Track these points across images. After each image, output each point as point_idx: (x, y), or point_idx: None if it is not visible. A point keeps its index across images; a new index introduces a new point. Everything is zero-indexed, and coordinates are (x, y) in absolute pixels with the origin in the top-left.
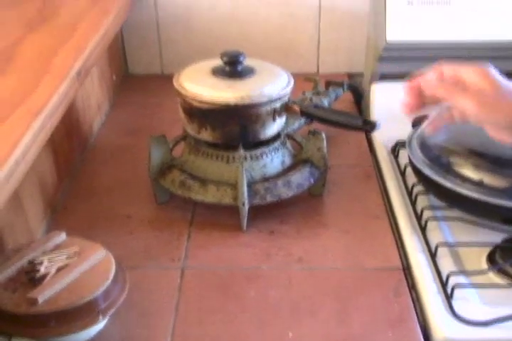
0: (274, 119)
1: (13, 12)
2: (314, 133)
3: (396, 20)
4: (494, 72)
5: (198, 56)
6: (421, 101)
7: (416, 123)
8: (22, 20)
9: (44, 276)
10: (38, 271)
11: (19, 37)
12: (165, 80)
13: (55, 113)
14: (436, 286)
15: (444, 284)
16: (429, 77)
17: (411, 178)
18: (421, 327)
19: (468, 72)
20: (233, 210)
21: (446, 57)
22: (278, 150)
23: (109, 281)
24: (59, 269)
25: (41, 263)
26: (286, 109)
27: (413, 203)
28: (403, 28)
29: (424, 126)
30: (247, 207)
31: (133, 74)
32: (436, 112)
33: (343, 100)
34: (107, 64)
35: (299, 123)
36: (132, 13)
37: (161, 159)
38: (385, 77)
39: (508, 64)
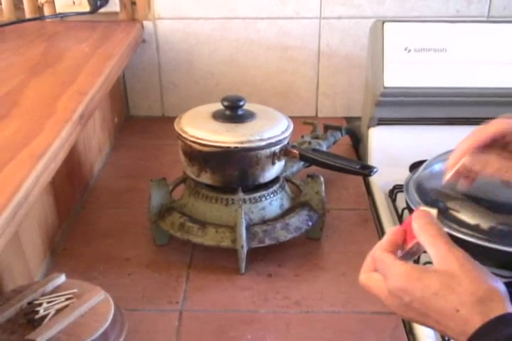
0: (273, 163)
1: (18, 57)
2: (313, 177)
3: (393, 67)
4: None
5: (199, 99)
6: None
7: (413, 167)
8: (26, 64)
9: (43, 318)
10: (37, 312)
11: (24, 81)
12: (166, 123)
13: (57, 156)
14: (433, 331)
15: None
16: None
17: None
18: None
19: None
20: (232, 253)
21: (441, 103)
22: (277, 193)
23: (107, 324)
24: (58, 311)
25: (40, 304)
26: (286, 152)
27: None
28: (400, 74)
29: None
30: (245, 249)
31: (134, 116)
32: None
33: (342, 144)
34: (109, 107)
35: (297, 166)
36: (134, 57)
37: (160, 202)
38: (382, 121)
39: (504, 110)
